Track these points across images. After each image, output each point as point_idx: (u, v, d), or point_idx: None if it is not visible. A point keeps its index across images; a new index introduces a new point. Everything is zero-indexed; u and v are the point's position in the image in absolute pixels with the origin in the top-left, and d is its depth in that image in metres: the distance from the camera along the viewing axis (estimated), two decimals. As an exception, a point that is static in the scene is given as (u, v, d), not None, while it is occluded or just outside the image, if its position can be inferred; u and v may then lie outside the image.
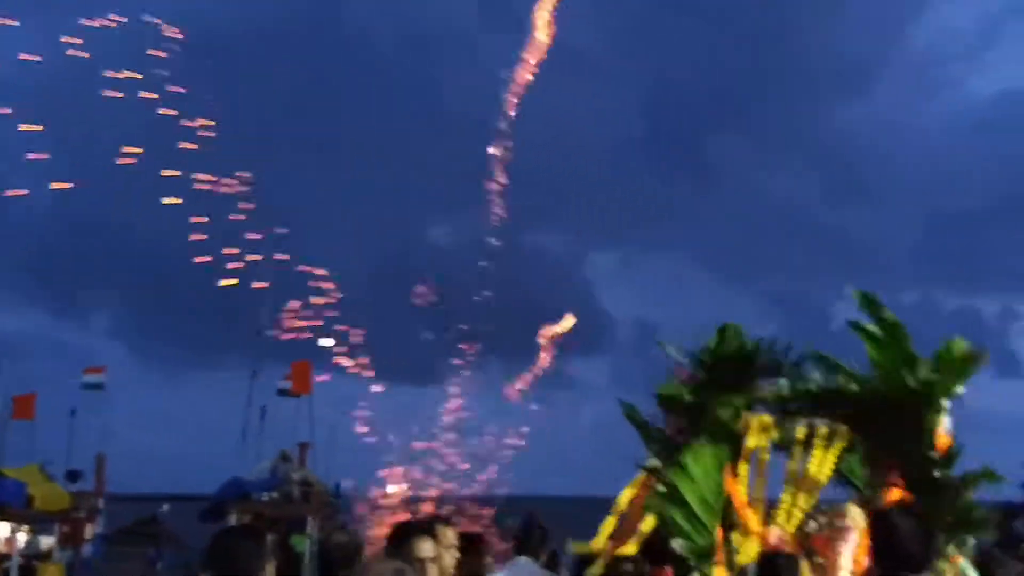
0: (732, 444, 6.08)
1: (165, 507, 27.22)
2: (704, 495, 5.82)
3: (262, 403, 21.68)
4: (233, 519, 16.35)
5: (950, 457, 5.83)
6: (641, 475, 6.33)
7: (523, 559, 5.84)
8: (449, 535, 4.21)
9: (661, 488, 5.87)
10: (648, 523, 6.23)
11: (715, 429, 5.94)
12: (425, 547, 3.80)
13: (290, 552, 16.06)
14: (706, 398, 6.07)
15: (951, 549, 5.63)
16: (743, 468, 6.31)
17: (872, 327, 5.81)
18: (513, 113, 13.41)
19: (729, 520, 6.09)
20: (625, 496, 6.41)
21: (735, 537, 6.10)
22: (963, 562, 5.64)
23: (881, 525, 3.20)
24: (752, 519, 6.40)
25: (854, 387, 5.90)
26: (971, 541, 5.83)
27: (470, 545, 5.07)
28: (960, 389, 5.87)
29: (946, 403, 5.84)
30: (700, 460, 5.82)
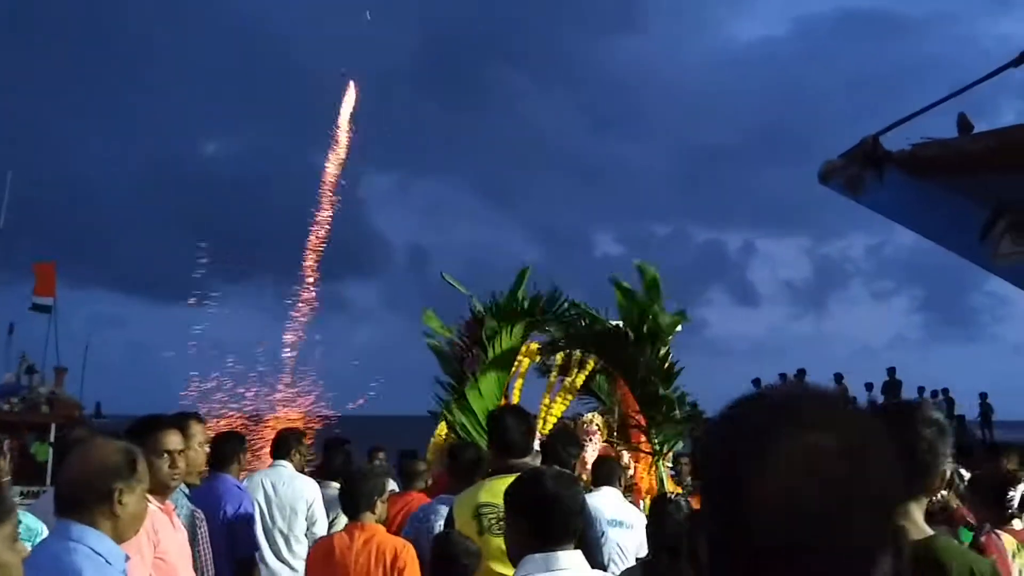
0: (510, 367, 7.01)
1: None
2: (488, 406, 6.89)
3: (9, 320, 19.96)
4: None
5: (670, 379, 7.42)
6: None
7: (279, 462, 5.95)
8: (199, 430, 4.16)
9: (454, 401, 7.07)
10: (440, 428, 7.41)
11: (499, 356, 7.17)
12: (173, 439, 3.67)
13: (31, 460, 15.24)
14: (495, 332, 7.22)
15: (667, 445, 6.98)
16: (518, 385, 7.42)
17: (627, 284, 7.41)
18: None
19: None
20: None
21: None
22: (671, 458, 6.93)
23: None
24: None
25: (603, 327, 7.40)
26: (681, 443, 7.30)
27: (235, 440, 5.52)
28: (678, 329, 7.62)
29: (669, 340, 7.55)
30: (486, 379, 7.00)
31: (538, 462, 4.60)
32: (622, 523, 5.34)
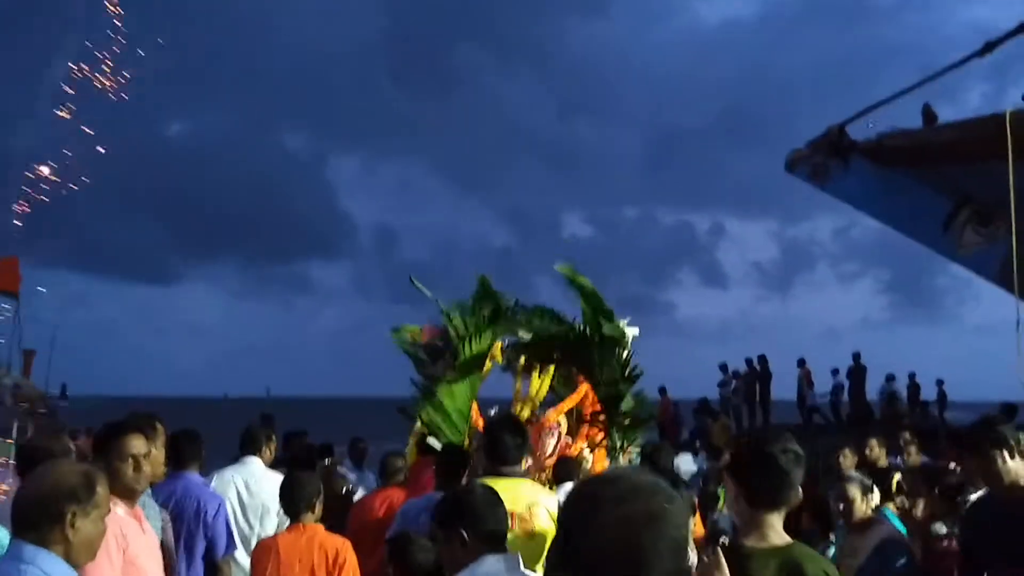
0: (480, 368, 7.11)
1: None
2: (459, 406, 7.22)
3: None
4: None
5: (631, 378, 7.67)
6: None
7: (249, 458, 5.87)
8: (160, 431, 4.17)
9: (427, 399, 7.24)
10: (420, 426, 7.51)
11: (468, 359, 7.37)
12: (137, 444, 3.69)
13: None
14: (464, 337, 7.37)
15: (627, 442, 7.58)
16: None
17: (580, 285, 7.56)
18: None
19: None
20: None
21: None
22: (632, 453, 7.08)
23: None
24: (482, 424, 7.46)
25: (567, 332, 7.70)
26: (640, 438, 7.83)
27: (195, 437, 5.36)
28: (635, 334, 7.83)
29: (628, 344, 7.76)
30: (457, 381, 7.24)
31: None
32: None
